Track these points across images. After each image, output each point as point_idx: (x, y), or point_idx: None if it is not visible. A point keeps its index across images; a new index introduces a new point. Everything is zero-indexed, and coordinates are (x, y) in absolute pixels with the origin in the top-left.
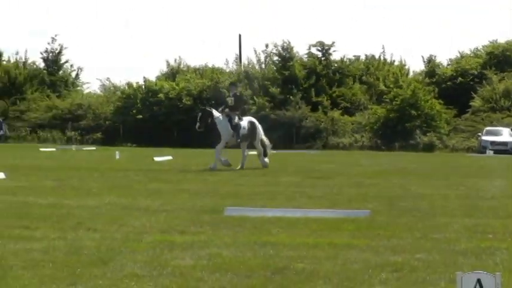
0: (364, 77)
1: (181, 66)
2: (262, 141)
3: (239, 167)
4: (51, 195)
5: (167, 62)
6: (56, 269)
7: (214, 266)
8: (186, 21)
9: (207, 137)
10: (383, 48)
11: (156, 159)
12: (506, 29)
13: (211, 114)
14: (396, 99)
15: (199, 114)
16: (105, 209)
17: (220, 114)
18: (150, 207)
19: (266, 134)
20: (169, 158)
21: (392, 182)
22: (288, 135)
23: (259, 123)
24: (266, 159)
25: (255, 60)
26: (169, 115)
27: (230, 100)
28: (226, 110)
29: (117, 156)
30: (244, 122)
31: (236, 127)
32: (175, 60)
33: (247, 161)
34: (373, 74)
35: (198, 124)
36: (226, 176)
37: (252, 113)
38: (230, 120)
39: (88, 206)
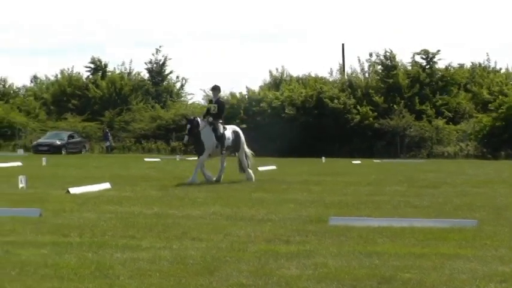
0: (468, 85)
1: (285, 76)
2: (245, 153)
3: (215, 179)
4: (156, 205)
5: (270, 72)
6: (162, 278)
7: (320, 276)
8: (289, 31)
9: (311, 146)
10: (487, 55)
11: (260, 168)
12: None
13: (198, 124)
14: (502, 107)
15: (188, 126)
16: (210, 218)
17: (204, 124)
18: (255, 217)
19: (369, 143)
20: (273, 167)
21: (499, 191)
22: (392, 144)
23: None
24: (250, 172)
25: (358, 69)
26: (272, 125)
27: (213, 107)
28: (210, 118)
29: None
30: (229, 131)
31: (221, 138)
32: (277, 70)
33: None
34: (477, 82)
35: (186, 138)
36: (331, 185)
37: (356, 122)
38: (215, 129)
39: (193, 216)
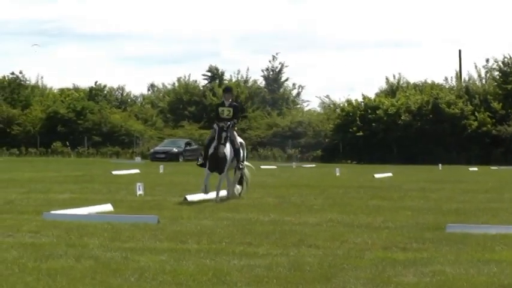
0: None
1: (401, 82)
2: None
3: (224, 194)
4: (273, 212)
5: (386, 78)
6: (279, 285)
7: (438, 284)
8: (406, 38)
9: (428, 153)
10: None
11: (376, 176)
12: None
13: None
14: None
15: (224, 134)
16: (327, 225)
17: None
18: (372, 224)
19: (486, 151)
20: (389, 174)
21: None
22: (510, 151)
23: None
24: (240, 188)
25: (475, 76)
26: (388, 131)
27: (227, 111)
28: (224, 124)
29: (337, 173)
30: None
31: (238, 150)
32: (394, 77)
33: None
34: None
35: (222, 148)
36: (448, 192)
37: (473, 128)
38: (231, 140)
39: (309, 223)
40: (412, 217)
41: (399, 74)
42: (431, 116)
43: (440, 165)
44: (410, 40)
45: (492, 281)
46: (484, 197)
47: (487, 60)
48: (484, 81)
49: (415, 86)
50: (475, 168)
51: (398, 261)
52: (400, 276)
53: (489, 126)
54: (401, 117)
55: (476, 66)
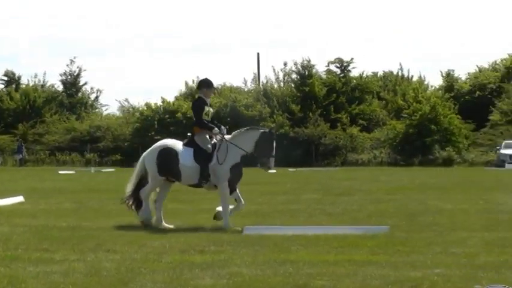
0: (382, 93)
1: None
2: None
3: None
4: (70, 218)
5: (186, 82)
6: None
7: (235, 285)
8: (204, 41)
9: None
10: (400, 64)
11: None
12: None
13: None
14: (415, 114)
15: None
16: (125, 230)
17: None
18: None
19: (285, 152)
20: None
21: (412, 197)
22: (307, 153)
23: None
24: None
25: (273, 78)
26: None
27: (210, 113)
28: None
29: None
30: None
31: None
32: (193, 81)
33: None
34: (391, 90)
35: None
36: (247, 194)
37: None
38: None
39: (107, 228)
40: (210, 220)
41: (197, 77)
42: (229, 119)
43: None
44: (209, 44)
45: (288, 281)
46: (282, 199)
47: (285, 64)
48: (282, 84)
49: (214, 89)
50: (274, 170)
51: (196, 264)
52: (197, 279)
53: (287, 128)
54: None
55: (274, 69)
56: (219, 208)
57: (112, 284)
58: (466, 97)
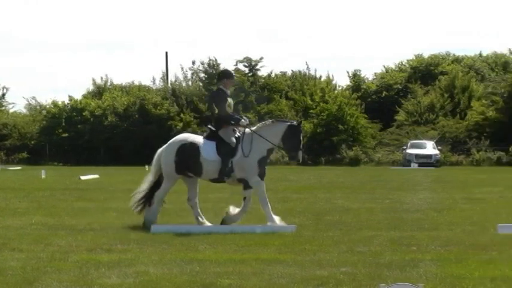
0: (289, 93)
1: (108, 84)
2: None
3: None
4: None
5: (93, 80)
6: None
7: (141, 284)
8: (113, 39)
9: (136, 154)
10: (307, 64)
11: (83, 177)
12: (430, 43)
13: None
14: (322, 114)
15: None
16: (31, 229)
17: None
18: (76, 227)
19: None
20: (96, 176)
21: (319, 196)
22: None
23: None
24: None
25: (181, 77)
26: (95, 133)
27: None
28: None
29: (43, 176)
30: None
31: None
32: (101, 79)
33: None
34: (299, 89)
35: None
36: None
37: (179, 129)
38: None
39: (13, 227)
40: (118, 218)
41: (106, 75)
42: (137, 116)
43: (147, 166)
44: (117, 42)
45: (194, 280)
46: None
47: (193, 62)
48: (190, 82)
49: (122, 87)
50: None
51: (103, 263)
52: (103, 278)
53: (194, 127)
54: (108, 119)
55: (182, 68)
56: (232, 210)
57: (17, 283)
58: (373, 97)
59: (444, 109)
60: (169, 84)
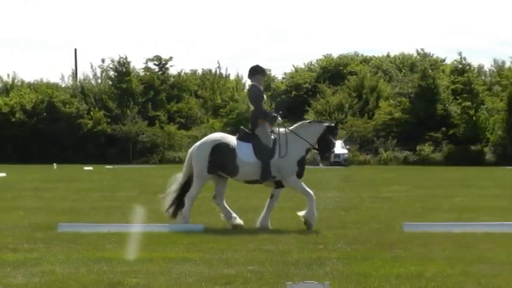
0: (200, 92)
1: (16, 81)
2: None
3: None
4: None
5: (1, 77)
6: None
7: (47, 284)
8: (21, 36)
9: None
10: (218, 63)
11: None
12: (339, 44)
13: None
14: (232, 113)
15: None
16: None
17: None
18: None
19: (101, 150)
20: (3, 174)
21: (229, 195)
22: (124, 150)
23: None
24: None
25: (91, 75)
26: (2, 130)
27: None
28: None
29: None
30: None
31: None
32: (8, 76)
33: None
34: (209, 88)
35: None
36: (62, 192)
37: (89, 127)
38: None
39: None
40: (25, 217)
41: (14, 72)
42: (45, 114)
43: (55, 164)
44: (25, 39)
45: (101, 279)
46: (98, 196)
47: (103, 60)
48: (99, 80)
49: (30, 85)
50: (91, 168)
51: (8, 262)
52: (8, 278)
53: (104, 125)
54: (16, 116)
55: (92, 66)
56: (301, 213)
57: None
58: (283, 96)
59: (353, 109)
60: (78, 82)
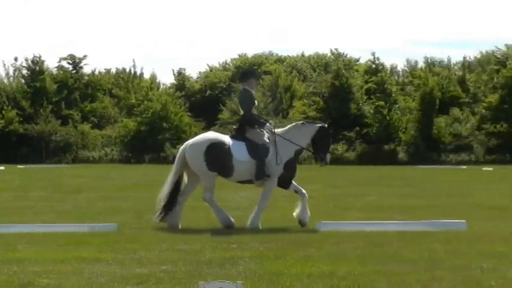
0: (114, 90)
1: None
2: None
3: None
4: None
5: None
6: None
7: None
8: None
9: None
10: (133, 61)
11: None
12: (254, 43)
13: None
14: (147, 112)
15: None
16: None
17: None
18: None
19: (13, 149)
20: None
21: (142, 195)
22: (37, 150)
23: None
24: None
25: (3, 74)
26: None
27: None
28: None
29: None
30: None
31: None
32: None
33: None
34: (123, 87)
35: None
36: None
37: (1, 127)
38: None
39: None
40: None
41: None
42: None
43: None
44: None
45: (12, 279)
46: (9, 196)
47: (16, 59)
48: (12, 79)
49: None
50: (2, 168)
51: None
52: None
53: (17, 124)
54: None
55: (5, 64)
56: (296, 214)
57: None
58: (197, 95)
59: (267, 108)
60: None
